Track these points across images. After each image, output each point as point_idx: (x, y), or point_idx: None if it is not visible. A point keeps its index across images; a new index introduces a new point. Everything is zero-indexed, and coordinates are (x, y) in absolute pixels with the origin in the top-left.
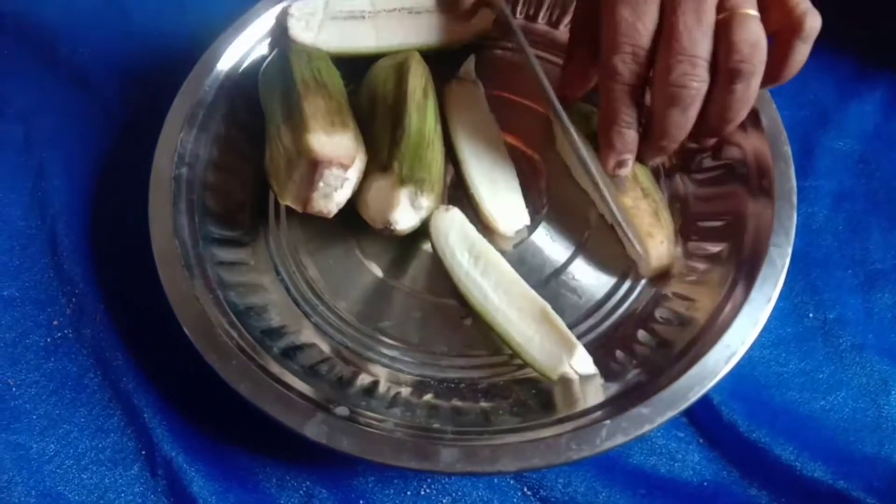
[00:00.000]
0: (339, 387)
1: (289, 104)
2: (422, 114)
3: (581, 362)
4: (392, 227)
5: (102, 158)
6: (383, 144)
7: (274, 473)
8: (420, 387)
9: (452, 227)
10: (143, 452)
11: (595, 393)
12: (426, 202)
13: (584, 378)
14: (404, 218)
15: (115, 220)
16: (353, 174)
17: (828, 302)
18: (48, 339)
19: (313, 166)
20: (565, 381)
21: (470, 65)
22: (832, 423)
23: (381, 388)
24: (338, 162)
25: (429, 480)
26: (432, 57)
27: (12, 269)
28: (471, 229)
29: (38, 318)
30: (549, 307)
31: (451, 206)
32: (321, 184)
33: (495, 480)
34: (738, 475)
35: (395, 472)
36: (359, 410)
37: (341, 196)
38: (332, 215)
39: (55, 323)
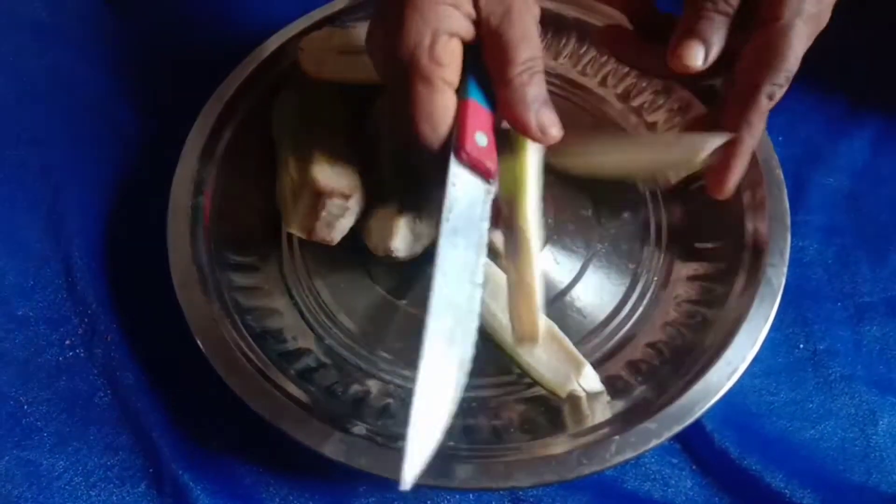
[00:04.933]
0: (354, 406)
1: (296, 137)
2: None
3: (588, 380)
4: (393, 255)
5: (116, 183)
6: (385, 174)
7: (278, 493)
8: None
9: None
10: (151, 470)
11: (603, 410)
12: (427, 230)
13: (592, 395)
14: (404, 245)
15: (127, 242)
16: (354, 203)
17: (818, 333)
18: (60, 359)
19: (317, 196)
20: (573, 399)
21: None
22: (822, 452)
23: (394, 407)
24: (339, 192)
25: (428, 503)
26: None
27: (26, 290)
28: None
29: (50, 337)
30: (555, 326)
31: None
32: (324, 213)
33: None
34: (729, 502)
35: (395, 494)
36: (375, 429)
37: (343, 224)
38: (334, 243)
39: (67, 342)
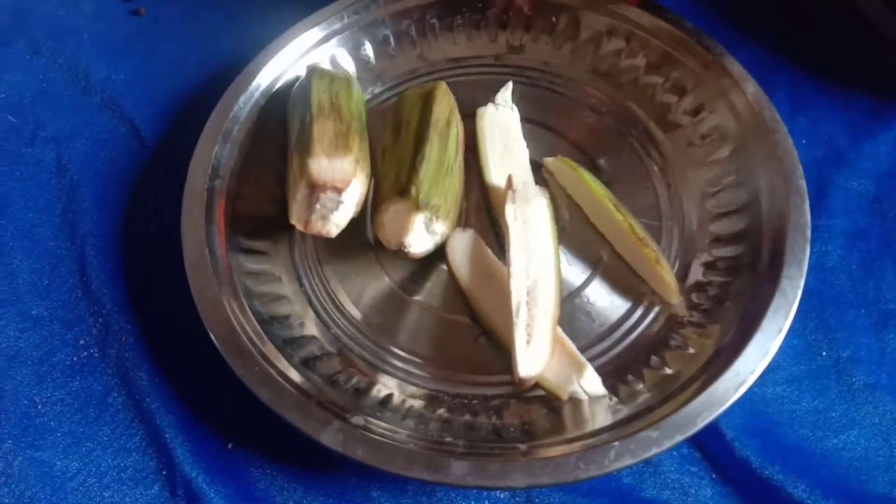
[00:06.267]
0: (355, 397)
1: (302, 127)
2: (443, 143)
3: (590, 382)
4: (406, 250)
5: (133, 182)
6: (403, 169)
7: (292, 497)
8: (433, 401)
9: (468, 247)
10: (164, 472)
11: (604, 414)
12: (441, 228)
13: (594, 399)
14: (418, 242)
15: (143, 243)
16: (350, 197)
17: (841, 340)
18: (74, 358)
19: (311, 189)
20: (575, 401)
21: (507, 92)
22: (844, 462)
23: (396, 400)
24: (332, 185)
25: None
26: (471, 84)
27: (41, 289)
28: (486, 251)
29: (65, 337)
30: (558, 328)
31: (467, 228)
32: (318, 206)
33: None
34: None
35: (408, 498)
36: (374, 421)
37: (339, 218)
38: (332, 236)
39: (81, 342)
